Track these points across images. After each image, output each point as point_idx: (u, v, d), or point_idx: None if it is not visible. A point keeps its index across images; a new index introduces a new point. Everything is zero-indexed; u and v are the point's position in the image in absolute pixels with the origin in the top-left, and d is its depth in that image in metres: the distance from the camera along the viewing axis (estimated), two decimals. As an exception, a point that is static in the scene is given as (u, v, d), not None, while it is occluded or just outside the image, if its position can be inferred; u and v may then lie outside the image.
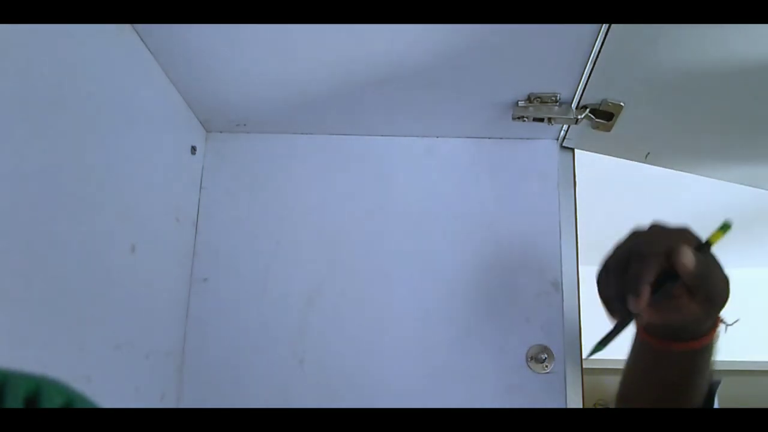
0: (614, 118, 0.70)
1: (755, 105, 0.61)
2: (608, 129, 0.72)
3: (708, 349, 0.54)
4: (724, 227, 0.51)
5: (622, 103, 0.67)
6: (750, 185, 0.75)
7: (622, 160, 0.86)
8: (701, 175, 0.75)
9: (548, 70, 0.67)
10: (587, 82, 0.66)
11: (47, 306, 0.50)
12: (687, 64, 0.58)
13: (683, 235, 0.50)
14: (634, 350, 0.58)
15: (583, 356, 0.68)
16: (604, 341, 0.51)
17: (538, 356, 0.76)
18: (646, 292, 0.46)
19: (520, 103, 0.73)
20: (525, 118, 0.74)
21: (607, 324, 0.51)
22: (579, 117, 0.72)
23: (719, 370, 0.57)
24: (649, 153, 0.74)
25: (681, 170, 0.76)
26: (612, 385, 0.62)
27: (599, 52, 0.60)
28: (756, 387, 2.00)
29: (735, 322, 0.62)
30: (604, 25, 0.58)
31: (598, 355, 0.52)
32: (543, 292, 0.78)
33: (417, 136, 0.84)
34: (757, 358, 2.01)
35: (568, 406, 0.75)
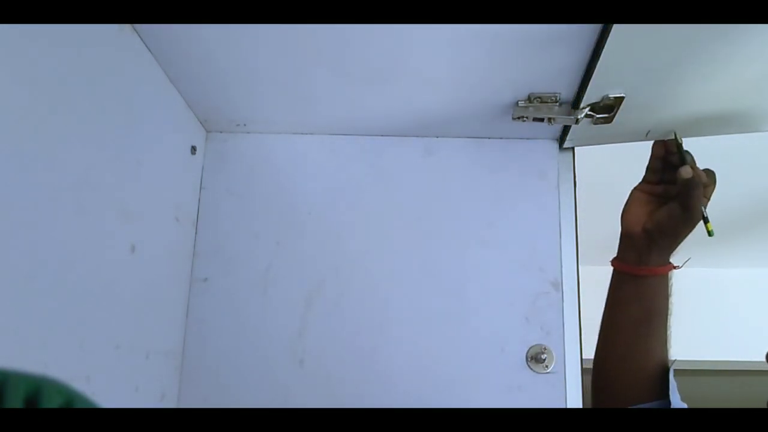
0: (615, 110, 0.69)
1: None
2: (609, 122, 0.71)
3: (667, 278, 0.73)
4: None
5: (623, 95, 0.67)
6: (752, 131, 0.73)
7: (622, 160, 0.86)
8: (702, 135, 0.74)
9: (548, 70, 0.67)
10: (587, 81, 0.66)
11: (47, 306, 0.50)
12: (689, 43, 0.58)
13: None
14: (615, 286, 0.73)
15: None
16: None
17: (538, 356, 0.76)
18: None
19: (520, 103, 0.73)
20: (525, 118, 0.74)
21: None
22: (579, 117, 0.72)
23: (723, 371, 0.58)
24: (649, 131, 0.73)
25: (682, 137, 0.75)
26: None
27: (600, 51, 0.60)
28: (755, 387, 2.00)
29: (686, 261, 0.76)
30: (604, 25, 0.58)
31: None
32: (543, 292, 0.78)
33: (417, 136, 0.84)
34: (756, 359, 2.01)
35: (568, 406, 0.75)
